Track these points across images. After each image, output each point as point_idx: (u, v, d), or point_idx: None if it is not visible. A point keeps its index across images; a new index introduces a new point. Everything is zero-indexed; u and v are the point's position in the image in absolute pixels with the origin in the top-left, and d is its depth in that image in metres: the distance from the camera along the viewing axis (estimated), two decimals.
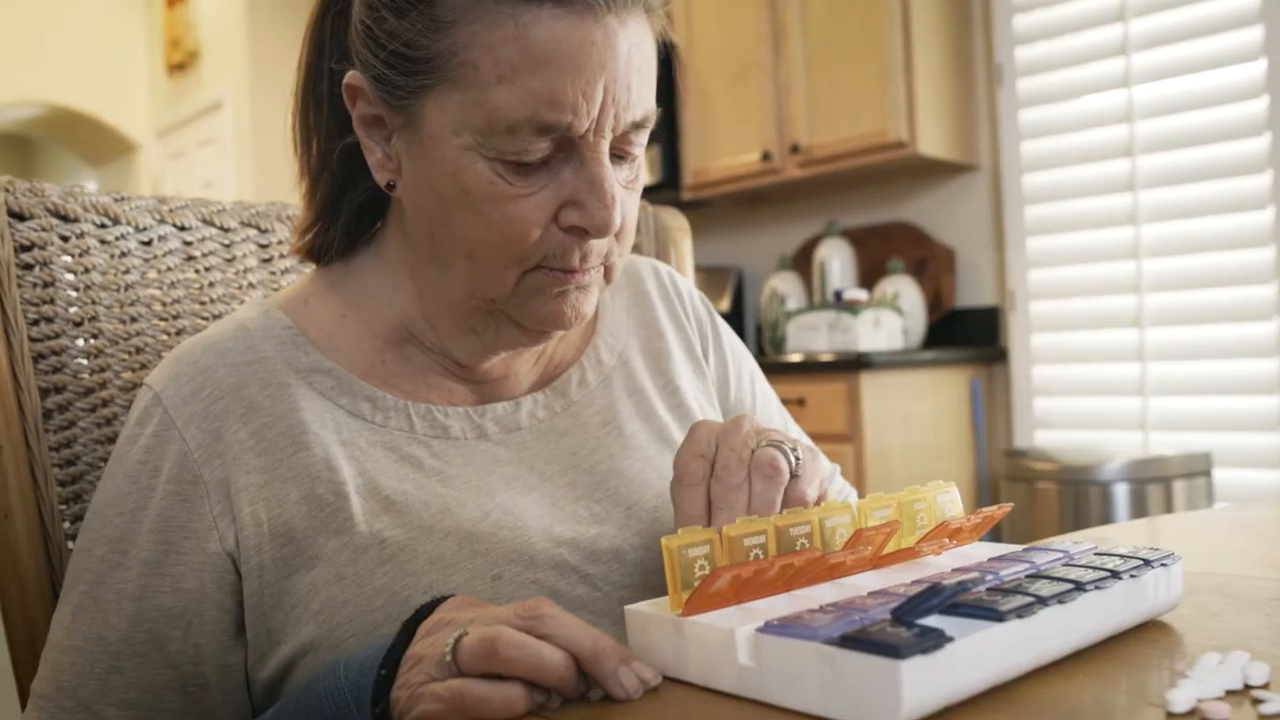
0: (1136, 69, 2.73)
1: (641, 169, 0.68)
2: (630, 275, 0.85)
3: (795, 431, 0.92)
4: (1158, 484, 2.44)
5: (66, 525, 0.77)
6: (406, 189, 0.66)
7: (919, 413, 2.80)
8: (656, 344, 0.82)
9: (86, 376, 0.79)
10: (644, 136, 0.65)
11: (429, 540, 0.63)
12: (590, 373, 0.77)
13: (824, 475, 0.65)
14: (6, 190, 0.78)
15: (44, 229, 0.79)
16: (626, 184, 0.66)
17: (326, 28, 0.69)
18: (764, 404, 0.90)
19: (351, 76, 0.65)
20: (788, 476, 0.61)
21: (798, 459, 0.63)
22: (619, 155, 0.65)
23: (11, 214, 0.78)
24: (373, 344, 0.71)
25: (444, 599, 0.54)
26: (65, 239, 0.80)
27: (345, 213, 0.72)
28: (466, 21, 0.60)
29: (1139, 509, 2.42)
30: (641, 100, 0.63)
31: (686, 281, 0.90)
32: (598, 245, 0.65)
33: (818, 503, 0.63)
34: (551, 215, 0.63)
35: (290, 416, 0.66)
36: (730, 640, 0.46)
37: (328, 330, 0.71)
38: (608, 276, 0.69)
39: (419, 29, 0.61)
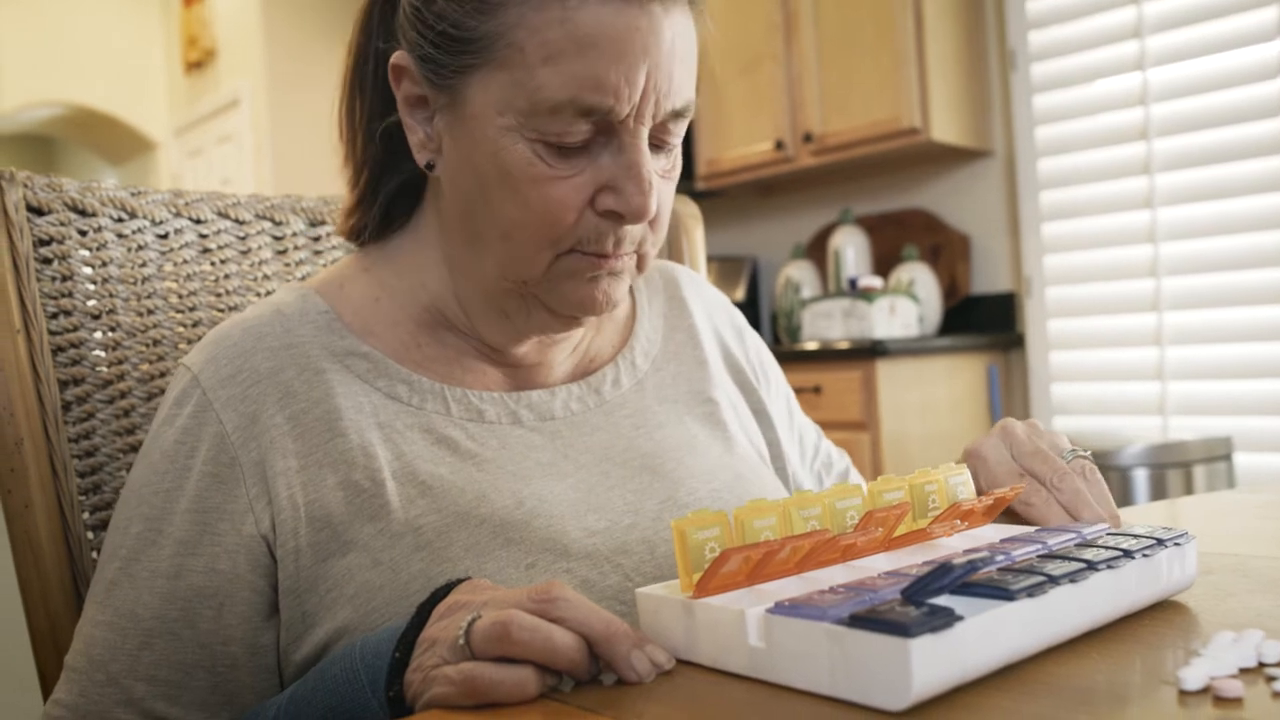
0: (1151, 52, 2.70)
1: (678, 159, 0.69)
2: (667, 281, 0.86)
3: (802, 434, 0.93)
4: (1178, 469, 2.42)
5: (86, 516, 0.77)
6: (446, 168, 0.68)
7: (936, 400, 2.79)
8: (693, 352, 0.83)
9: (105, 369, 0.80)
10: (683, 126, 0.67)
11: (464, 527, 0.64)
12: (625, 375, 0.78)
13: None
14: (25, 185, 0.78)
15: (62, 223, 0.80)
16: (663, 173, 0.67)
17: (376, 11, 0.70)
18: (789, 426, 0.90)
19: (398, 56, 0.67)
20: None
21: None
22: (657, 144, 0.66)
23: (30, 209, 0.78)
24: (407, 328, 0.72)
25: (459, 581, 0.54)
26: (83, 233, 0.81)
27: (383, 194, 0.74)
28: (515, 4, 0.61)
29: (1159, 494, 2.41)
30: (682, 89, 0.64)
31: (722, 295, 0.92)
32: (632, 231, 0.66)
33: None
34: (588, 199, 0.64)
35: (326, 403, 0.67)
36: (741, 621, 0.47)
37: (363, 314, 0.72)
38: (640, 265, 0.70)
39: (467, 10, 0.62)
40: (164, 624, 0.63)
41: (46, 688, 0.73)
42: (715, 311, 0.89)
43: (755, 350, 0.90)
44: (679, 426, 0.77)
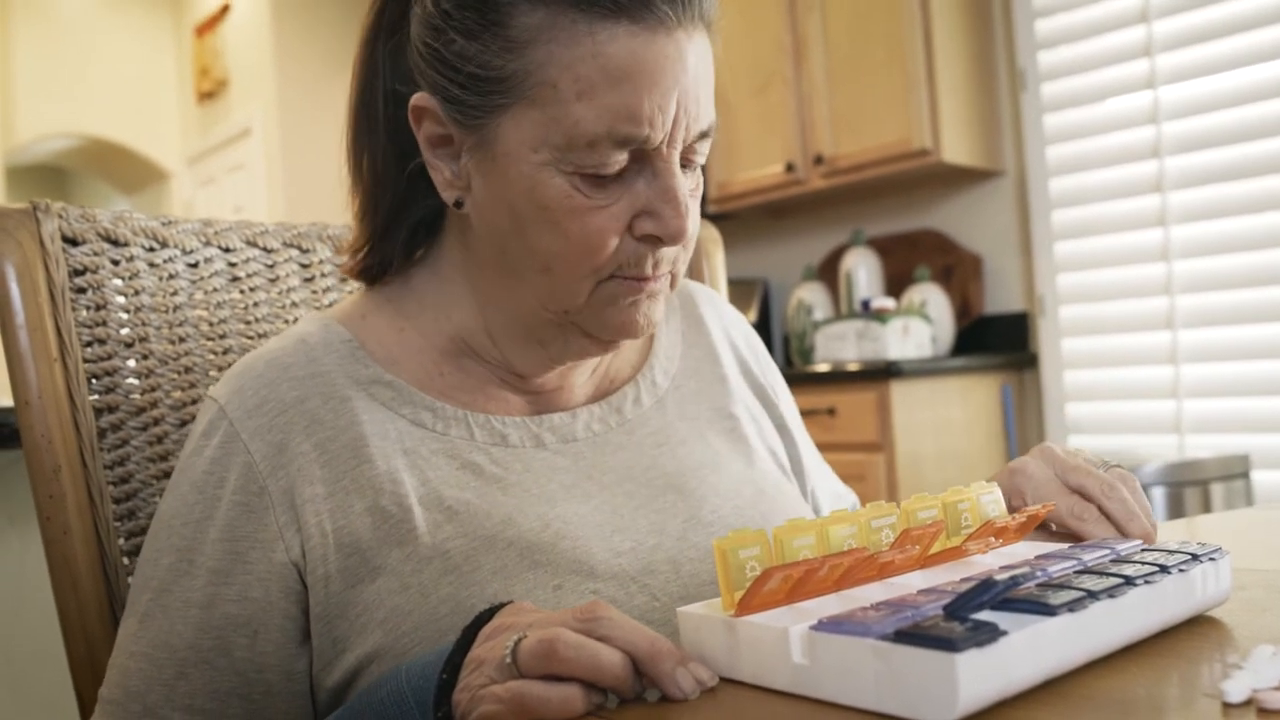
0: (1161, 70, 2.72)
1: (701, 177, 0.70)
2: (684, 299, 0.87)
3: (818, 459, 0.93)
4: (1195, 487, 2.41)
5: (121, 541, 0.78)
6: (476, 206, 0.68)
7: (950, 420, 2.79)
8: (712, 369, 0.83)
9: (138, 396, 0.81)
10: (707, 145, 0.68)
11: (491, 551, 0.64)
12: (645, 394, 0.78)
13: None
14: (60, 217, 0.80)
15: (96, 253, 0.81)
16: (690, 192, 0.68)
17: (380, 51, 0.70)
18: (806, 441, 0.91)
19: (419, 98, 0.67)
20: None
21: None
22: (685, 164, 0.67)
23: (65, 239, 0.80)
24: (430, 356, 0.73)
25: (503, 605, 0.54)
26: (116, 263, 0.82)
27: (403, 232, 0.74)
28: (543, 41, 0.61)
29: (1176, 513, 2.39)
30: (707, 111, 0.66)
31: (737, 312, 0.92)
32: (668, 252, 0.67)
33: None
34: (626, 225, 0.65)
35: (352, 430, 0.68)
36: (784, 639, 0.47)
37: (386, 344, 0.73)
38: (672, 284, 0.71)
39: (493, 50, 0.62)
40: (199, 653, 0.64)
41: (84, 711, 0.74)
42: (731, 328, 0.89)
43: (772, 372, 0.90)
44: (700, 443, 0.78)
